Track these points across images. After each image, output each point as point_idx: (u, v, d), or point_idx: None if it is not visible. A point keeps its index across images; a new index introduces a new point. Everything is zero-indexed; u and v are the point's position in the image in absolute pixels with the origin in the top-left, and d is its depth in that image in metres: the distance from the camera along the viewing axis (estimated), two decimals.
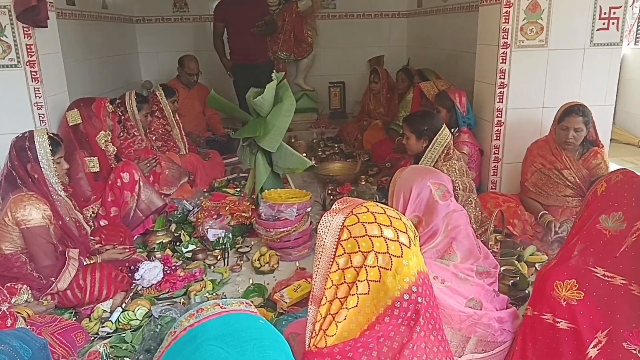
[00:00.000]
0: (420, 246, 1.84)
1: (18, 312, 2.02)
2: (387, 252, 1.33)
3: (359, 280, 1.34)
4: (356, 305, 1.35)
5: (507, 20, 3.23)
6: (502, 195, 3.33)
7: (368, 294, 1.34)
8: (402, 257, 1.34)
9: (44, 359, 1.25)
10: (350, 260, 1.35)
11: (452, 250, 2.01)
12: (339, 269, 1.37)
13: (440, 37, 5.35)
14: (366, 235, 1.34)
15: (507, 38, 3.26)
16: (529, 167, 3.16)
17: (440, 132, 2.84)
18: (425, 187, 2.04)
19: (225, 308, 0.99)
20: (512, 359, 1.85)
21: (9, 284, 2.28)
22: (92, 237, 2.76)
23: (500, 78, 3.34)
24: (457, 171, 2.78)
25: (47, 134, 2.51)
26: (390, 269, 1.33)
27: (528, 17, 3.23)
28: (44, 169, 2.44)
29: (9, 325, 1.90)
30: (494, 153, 3.49)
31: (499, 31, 3.26)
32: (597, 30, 3.32)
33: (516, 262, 2.66)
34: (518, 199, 3.23)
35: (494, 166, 3.52)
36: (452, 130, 3.35)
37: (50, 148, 2.46)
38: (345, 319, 1.36)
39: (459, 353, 1.87)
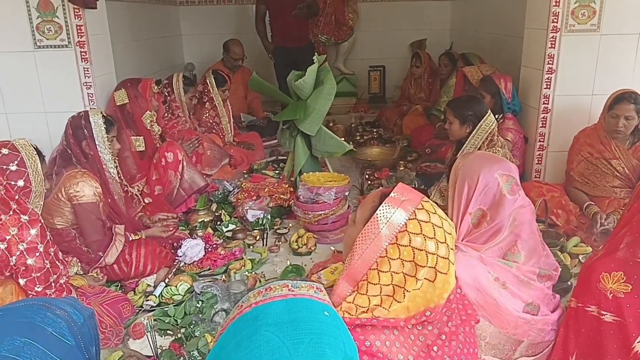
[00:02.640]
0: (483, 243, 1.80)
1: (71, 284, 2.11)
2: (435, 268, 1.33)
3: (406, 290, 1.33)
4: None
5: (557, 3, 3.10)
6: (546, 184, 3.25)
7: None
8: (447, 274, 1.34)
9: (92, 327, 1.30)
10: (403, 267, 1.33)
11: (517, 249, 1.90)
12: (390, 270, 1.34)
13: (486, 20, 5.20)
14: (424, 250, 1.32)
15: (557, 22, 3.14)
16: (576, 155, 3.06)
17: (485, 118, 2.78)
18: (493, 178, 1.89)
19: (293, 291, 0.97)
20: (553, 353, 1.82)
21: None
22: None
23: (548, 63, 3.23)
24: None
25: (101, 113, 2.60)
26: (434, 282, 1.33)
27: (580, 0, 3.10)
28: (98, 146, 2.52)
29: (63, 296, 1.99)
30: (539, 141, 3.40)
31: (549, 14, 3.14)
32: None
33: (559, 253, 2.60)
34: (562, 189, 3.14)
35: (539, 154, 3.43)
36: (497, 116, 3.28)
37: (105, 127, 2.55)
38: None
39: (509, 356, 1.83)
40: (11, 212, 1.89)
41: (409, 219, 1.34)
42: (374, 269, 1.34)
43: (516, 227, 1.91)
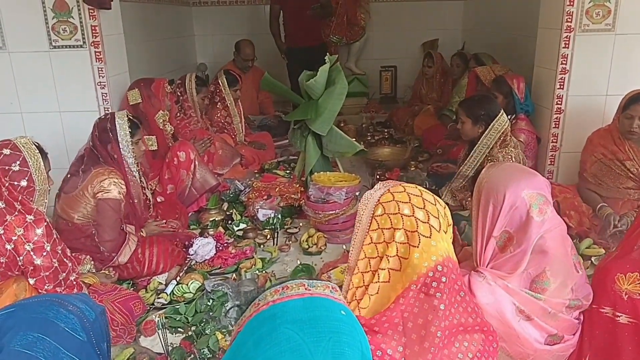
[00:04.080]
0: (509, 273, 1.74)
1: (83, 281, 2.13)
2: (417, 231, 1.39)
3: (388, 256, 1.41)
4: (388, 281, 1.42)
5: (571, 3, 3.07)
6: (559, 185, 3.21)
7: (400, 270, 1.40)
8: (430, 237, 1.40)
9: (104, 323, 1.32)
10: (383, 235, 1.43)
11: (545, 276, 1.74)
12: (371, 242, 1.45)
13: (498, 21, 5.17)
14: (398, 213, 1.41)
15: (571, 22, 3.11)
16: (589, 157, 3.03)
17: (497, 117, 2.77)
18: (520, 198, 1.71)
19: (309, 290, 0.98)
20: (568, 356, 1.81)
21: (73, 254, 2.40)
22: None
23: (562, 63, 3.19)
24: (514, 159, 2.71)
25: (127, 116, 2.60)
26: (418, 247, 1.39)
27: (595, 0, 3.07)
28: (122, 150, 2.53)
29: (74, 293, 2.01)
30: (552, 141, 3.36)
31: (563, 14, 3.11)
32: None
33: None
34: (575, 190, 3.10)
35: (552, 155, 3.40)
36: (509, 117, 3.25)
37: (130, 130, 2.55)
38: (377, 292, 1.43)
39: None
40: (16, 213, 1.88)
41: (382, 194, 1.46)
42: (363, 258, 1.46)
43: (542, 247, 1.74)
